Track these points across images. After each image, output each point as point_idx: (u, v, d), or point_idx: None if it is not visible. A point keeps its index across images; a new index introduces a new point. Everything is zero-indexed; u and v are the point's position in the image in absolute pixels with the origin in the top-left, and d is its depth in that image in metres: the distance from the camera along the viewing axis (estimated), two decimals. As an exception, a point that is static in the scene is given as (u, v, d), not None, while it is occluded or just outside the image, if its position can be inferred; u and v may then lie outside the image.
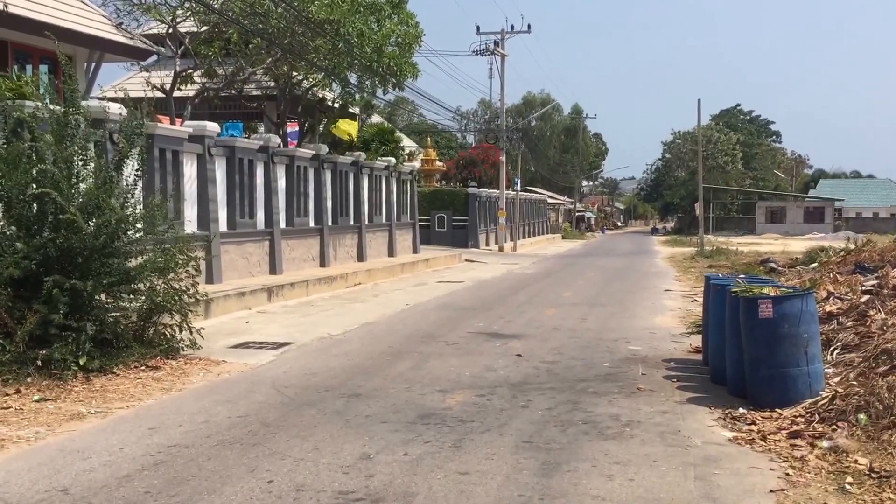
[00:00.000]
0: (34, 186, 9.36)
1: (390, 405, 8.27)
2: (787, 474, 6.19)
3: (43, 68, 16.16)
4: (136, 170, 10.90)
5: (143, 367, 9.70)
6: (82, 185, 9.77)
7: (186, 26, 22.25)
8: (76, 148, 9.89)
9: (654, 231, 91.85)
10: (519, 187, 51.30)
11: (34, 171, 9.41)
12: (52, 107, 10.08)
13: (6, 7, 13.60)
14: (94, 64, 17.85)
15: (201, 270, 11.74)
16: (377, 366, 10.42)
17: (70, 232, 9.26)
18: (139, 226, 10.32)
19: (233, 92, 23.64)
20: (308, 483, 5.93)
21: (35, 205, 9.53)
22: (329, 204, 23.70)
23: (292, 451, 6.67)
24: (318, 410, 8.07)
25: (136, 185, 10.77)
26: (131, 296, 10.20)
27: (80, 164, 9.88)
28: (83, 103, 10.70)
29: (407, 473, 6.14)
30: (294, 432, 7.25)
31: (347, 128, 27.05)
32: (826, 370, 8.38)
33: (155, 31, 22.19)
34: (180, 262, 10.61)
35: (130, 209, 10.22)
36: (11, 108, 10.04)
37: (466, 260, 33.60)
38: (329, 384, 9.27)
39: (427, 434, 7.21)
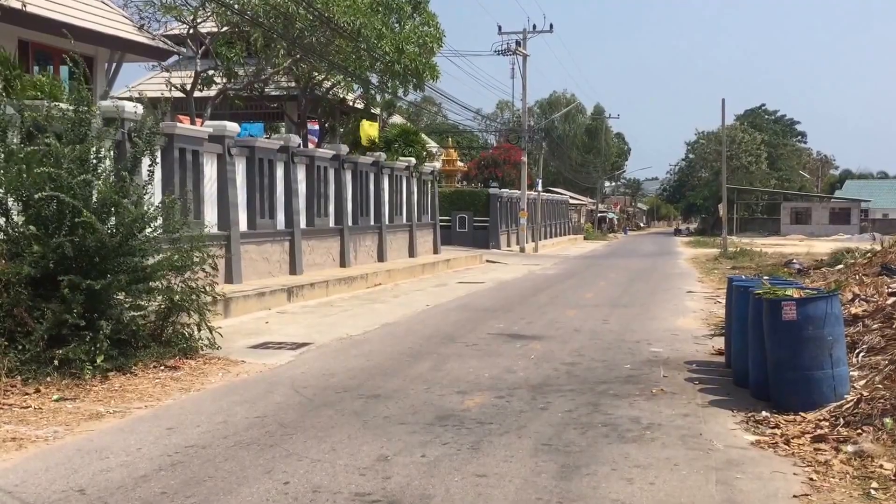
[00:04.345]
0: (48, 188, 9.38)
1: (409, 406, 8.22)
2: (811, 479, 6.09)
3: (64, 69, 16.24)
4: (149, 166, 10.90)
5: (161, 367, 9.71)
6: (96, 185, 9.76)
7: (207, 27, 22.33)
8: (90, 148, 9.89)
9: (677, 232, 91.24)
10: (540, 188, 51.15)
11: (47, 172, 9.42)
12: (63, 106, 10.09)
13: (24, 6, 13.67)
14: (114, 64, 17.93)
15: (218, 268, 11.73)
16: (396, 367, 10.37)
17: (86, 232, 9.27)
18: (155, 223, 10.32)
19: (253, 92, 23.69)
20: (324, 484, 5.89)
21: (53, 204, 9.55)
22: (349, 204, 23.70)
23: (309, 453, 6.64)
24: (336, 411, 8.03)
25: (149, 182, 10.77)
26: (149, 295, 10.20)
27: (95, 163, 9.90)
28: (102, 103, 10.73)
29: (424, 475, 6.09)
30: (311, 433, 7.22)
31: (370, 131, 27.08)
32: (851, 373, 8.26)
33: (176, 31, 22.29)
34: (196, 260, 10.62)
35: (145, 208, 10.22)
36: (27, 108, 10.08)
37: (487, 261, 33.52)
38: (347, 385, 9.23)
39: (445, 436, 7.15)
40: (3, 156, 9.58)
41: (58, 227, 9.41)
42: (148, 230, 10.19)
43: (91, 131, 10.08)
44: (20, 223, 9.65)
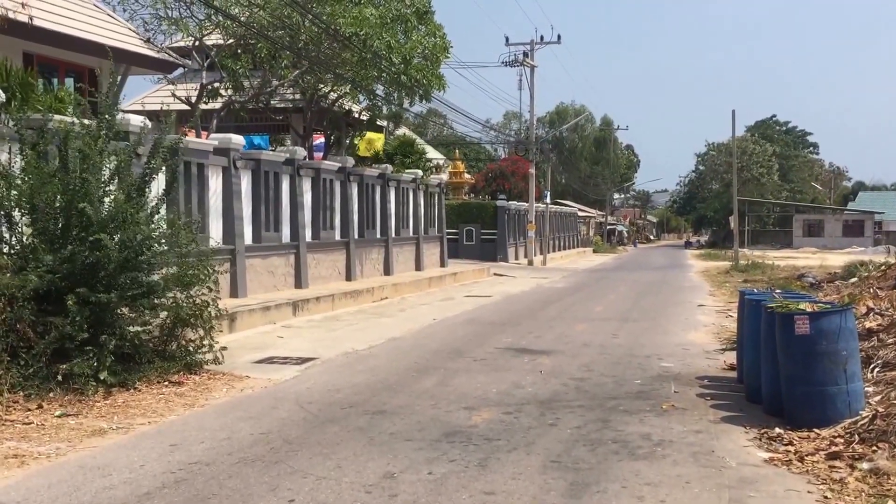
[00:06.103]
0: (60, 199, 9.33)
1: (415, 422, 8.12)
2: (826, 497, 5.98)
3: (68, 81, 16.23)
4: (164, 190, 10.89)
5: (165, 383, 9.64)
6: (107, 199, 9.73)
7: (213, 39, 22.34)
8: (103, 161, 9.87)
9: (688, 245, 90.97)
10: (549, 200, 51.06)
11: (61, 184, 9.39)
12: (80, 121, 10.07)
13: (31, 20, 13.67)
14: (119, 77, 17.92)
15: (220, 285, 11.67)
16: (402, 382, 10.27)
17: (95, 246, 9.21)
18: (163, 241, 10.27)
19: (259, 105, 23.69)
20: (330, 502, 5.81)
21: (61, 218, 9.51)
22: (355, 217, 23.63)
23: (314, 470, 6.55)
24: (342, 427, 7.93)
25: (163, 200, 10.74)
26: (153, 311, 10.12)
27: (108, 177, 9.87)
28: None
29: (431, 493, 5.99)
30: (317, 450, 7.13)
31: (376, 144, 27.02)
32: (866, 389, 8.12)
33: (181, 43, 22.30)
34: (202, 276, 10.54)
35: (155, 224, 10.17)
36: (44, 122, 10.06)
37: (495, 274, 33.40)
38: (353, 400, 9.13)
39: (452, 452, 7.05)
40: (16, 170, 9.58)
41: (64, 242, 9.35)
42: (156, 246, 10.13)
43: (108, 145, 10.06)
44: (26, 237, 9.60)
